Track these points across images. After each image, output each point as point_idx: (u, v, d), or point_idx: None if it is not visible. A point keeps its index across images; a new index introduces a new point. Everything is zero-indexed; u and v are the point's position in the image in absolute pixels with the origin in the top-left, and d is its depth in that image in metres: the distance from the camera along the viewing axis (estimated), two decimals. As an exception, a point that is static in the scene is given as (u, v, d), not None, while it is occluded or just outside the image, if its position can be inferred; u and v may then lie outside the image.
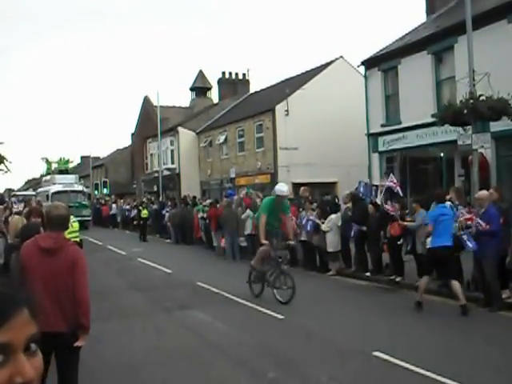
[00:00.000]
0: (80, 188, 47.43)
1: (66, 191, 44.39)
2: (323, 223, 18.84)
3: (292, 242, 14.78)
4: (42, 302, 5.69)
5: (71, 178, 49.72)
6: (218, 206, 25.48)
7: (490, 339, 10.16)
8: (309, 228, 19.33)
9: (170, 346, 10.22)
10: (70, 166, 66.69)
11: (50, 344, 4.50)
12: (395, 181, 17.77)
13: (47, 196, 43.05)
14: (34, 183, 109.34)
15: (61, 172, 54.45)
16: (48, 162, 60.91)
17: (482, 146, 15.65)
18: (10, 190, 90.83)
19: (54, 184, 47.06)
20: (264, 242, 13.79)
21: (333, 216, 18.81)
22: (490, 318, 11.91)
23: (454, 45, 23.31)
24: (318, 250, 19.40)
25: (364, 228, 17.55)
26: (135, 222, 37.75)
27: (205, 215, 26.67)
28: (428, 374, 8.13)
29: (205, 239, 27.60)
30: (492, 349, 9.52)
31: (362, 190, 18.76)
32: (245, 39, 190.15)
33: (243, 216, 23.10)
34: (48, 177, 55.03)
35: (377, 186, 19.23)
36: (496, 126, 17.60)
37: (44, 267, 5.95)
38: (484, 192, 13.39)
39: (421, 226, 15.07)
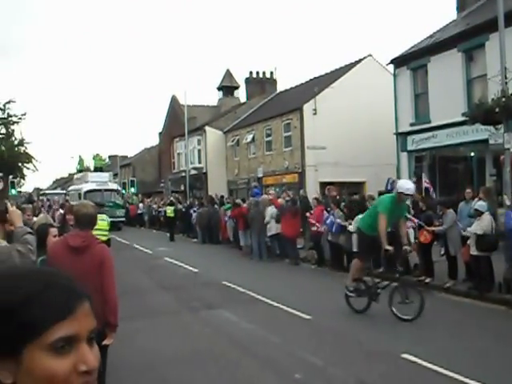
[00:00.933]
0: (114, 187, 46.03)
1: (99, 190, 42.88)
2: (350, 224, 18.68)
3: (408, 248, 12.75)
4: None
5: (105, 175, 48.17)
6: (242, 205, 25.41)
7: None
8: (334, 229, 19.23)
9: (197, 346, 10.23)
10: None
11: None
12: (428, 181, 17.59)
13: (79, 195, 41.79)
14: (61, 182, 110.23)
15: (95, 170, 52.52)
16: (81, 159, 59.48)
17: (515, 145, 15.47)
18: (38, 190, 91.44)
19: (87, 182, 45.54)
20: (388, 247, 11.90)
21: (360, 216, 18.54)
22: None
23: (485, 42, 23.10)
24: (345, 250, 19.15)
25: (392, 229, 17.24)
26: (161, 219, 38.09)
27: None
28: (456, 376, 8.06)
29: (232, 238, 27.61)
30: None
31: (389, 187, 18.58)
32: (273, 38, 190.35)
33: (266, 219, 22.94)
34: (80, 174, 53.17)
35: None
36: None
37: (72, 265, 5.86)
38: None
39: (451, 228, 14.94)
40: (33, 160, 71.23)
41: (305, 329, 11.40)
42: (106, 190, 43.57)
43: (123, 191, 54.50)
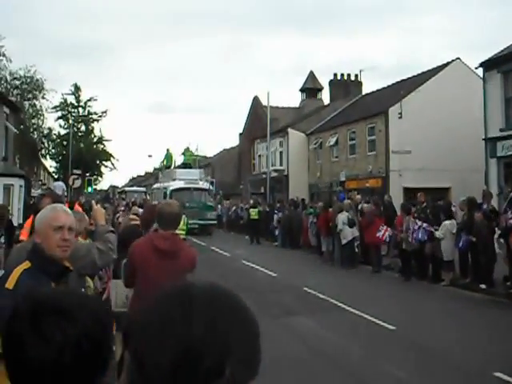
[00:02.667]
0: (206, 186, 41.89)
1: (188, 188, 39.70)
2: (436, 230, 18.34)
3: None
4: None
5: (196, 172, 44.62)
6: (329, 209, 25.19)
7: None
8: (420, 235, 18.78)
9: (276, 354, 10.15)
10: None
11: None
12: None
13: (164, 194, 38.78)
14: (138, 180, 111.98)
15: (183, 166, 48.37)
16: (169, 154, 53.22)
17: None
18: (114, 188, 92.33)
19: (175, 180, 42.07)
20: None
21: (447, 222, 18.21)
22: None
23: None
24: (431, 259, 18.81)
25: (473, 239, 16.84)
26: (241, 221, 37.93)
27: (315, 220, 26.41)
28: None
29: (314, 243, 27.38)
30: None
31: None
32: (357, 40, 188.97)
33: (339, 227, 22.61)
34: (167, 171, 49.61)
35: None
36: None
37: (160, 269, 5.82)
38: None
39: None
40: (111, 158, 72.74)
41: (389, 340, 11.18)
42: (196, 189, 40.53)
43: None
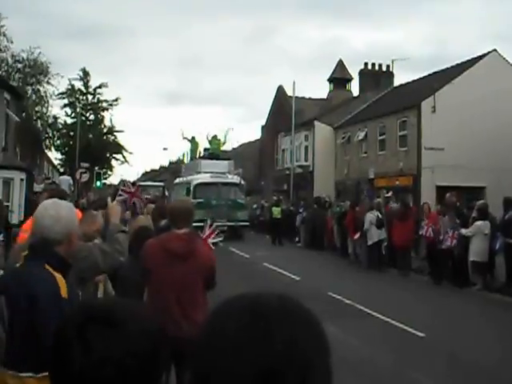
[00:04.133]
0: (236, 180, 38.12)
1: (215, 183, 36.30)
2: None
3: None
4: (170, 308, 5.96)
5: (224, 165, 40.33)
6: (355, 208, 25.39)
7: None
8: (450, 235, 19.23)
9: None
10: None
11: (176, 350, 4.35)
12: None
13: (188, 189, 36.44)
14: (152, 175, 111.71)
15: (210, 157, 43.47)
16: (195, 142, 49.33)
17: None
18: (125, 182, 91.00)
19: (199, 173, 38.59)
20: None
21: (479, 222, 18.46)
22: None
23: None
24: (462, 261, 18.97)
25: (510, 240, 17.23)
26: (261, 219, 37.60)
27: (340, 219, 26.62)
28: None
29: (339, 245, 27.68)
30: None
31: None
32: (389, 27, 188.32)
33: (365, 227, 23.10)
34: (191, 162, 46.33)
35: None
36: None
37: (173, 271, 5.96)
38: None
39: None
40: (123, 151, 70.07)
41: (418, 347, 11.34)
42: (225, 184, 36.82)
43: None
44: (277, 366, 1.20)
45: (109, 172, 72.32)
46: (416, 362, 10.29)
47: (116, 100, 68.94)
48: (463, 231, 18.67)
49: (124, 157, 70.88)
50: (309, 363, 1.25)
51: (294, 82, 45.08)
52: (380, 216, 23.06)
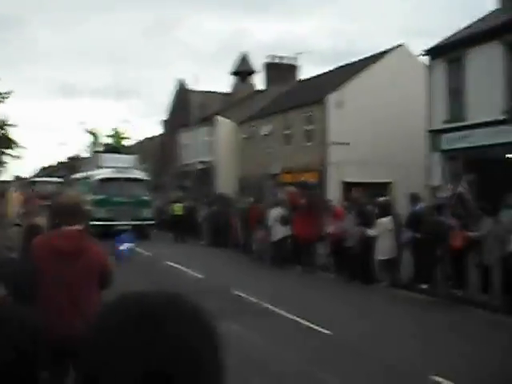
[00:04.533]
0: (140, 176, 36.68)
1: (118, 179, 34.48)
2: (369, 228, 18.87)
3: None
4: (63, 307, 5.78)
5: (127, 159, 38.45)
6: (259, 204, 25.33)
7: None
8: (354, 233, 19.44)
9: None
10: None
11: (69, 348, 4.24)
12: (467, 186, 17.69)
13: (88, 185, 34.71)
14: (50, 171, 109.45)
15: (112, 150, 41.72)
16: (94, 135, 47.30)
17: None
18: (19, 179, 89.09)
19: (101, 168, 36.51)
20: None
21: (383, 220, 18.70)
22: None
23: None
24: (368, 258, 19.17)
25: (418, 235, 17.41)
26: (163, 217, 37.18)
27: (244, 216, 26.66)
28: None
29: (242, 242, 27.63)
30: None
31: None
32: (296, 20, 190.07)
33: (269, 224, 23.08)
34: (93, 156, 43.49)
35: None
36: None
37: (63, 270, 5.77)
38: None
39: (488, 236, 15.16)
40: (13, 145, 69.30)
41: (324, 345, 11.36)
42: (128, 180, 34.96)
43: None
44: (165, 365, 1.17)
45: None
46: (322, 361, 10.27)
47: (8, 93, 67.22)
48: (369, 232, 18.86)
49: (16, 152, 68.97)
50: (199, 361, 1.21)
51: (194, 76, 45.07)
52: (283, 213, 22.97)
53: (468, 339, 12.02)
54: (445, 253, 16.49)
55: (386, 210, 19.17)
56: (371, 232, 18.78)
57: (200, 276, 20.39)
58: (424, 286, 17.25)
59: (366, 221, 19.32)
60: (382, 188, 32.47)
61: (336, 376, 9.41)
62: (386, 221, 18.68)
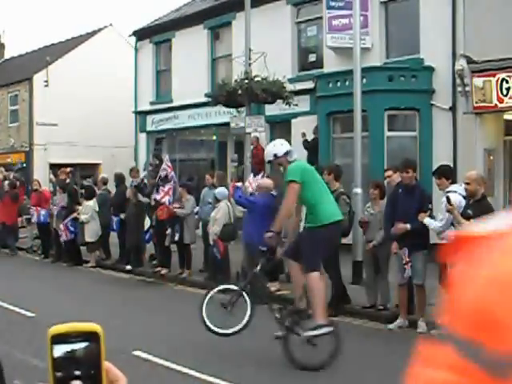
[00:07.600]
0: None
1: None
2: (78, 213, 18.58)
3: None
4: None
5: None
6: None
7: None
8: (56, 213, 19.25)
9: None
10: None
11: None
12: (170, 165, 17.66)
13: None
14: None
15: None
16: None
17: (256, 130, 16.19)
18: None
19: None
20: None
21: (90, 203, 18.56)
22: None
23: (232, 21, 23.93)
24: (74, 240, 18.90)
25: (122, 216, 17.49)
26: None
27: None
28: (191, 372, 8.41)
29: None
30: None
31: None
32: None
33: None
34: None
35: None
36: (271, 110, 18.48)
37: None
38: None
39: (190, 214, 15.41)
40: None
41: (26, 328, 11.04)
42: None
43: None
44: None
45: None
46: (23, 343, 10.00)
47: None
48: (82, 218, 18.34)
49: None
50: None
51: None
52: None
53: (166, 315, 12.29)
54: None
55: (89, 193, 19.10)
56: (84, 218, 18.28)
57: None
58: (128, 267, 17.19)
59: (74, 202, 19.06)
60: (92, 169, 32.02)
61: (36, 357, 8.86)
62: (92, 203, 18.52)
